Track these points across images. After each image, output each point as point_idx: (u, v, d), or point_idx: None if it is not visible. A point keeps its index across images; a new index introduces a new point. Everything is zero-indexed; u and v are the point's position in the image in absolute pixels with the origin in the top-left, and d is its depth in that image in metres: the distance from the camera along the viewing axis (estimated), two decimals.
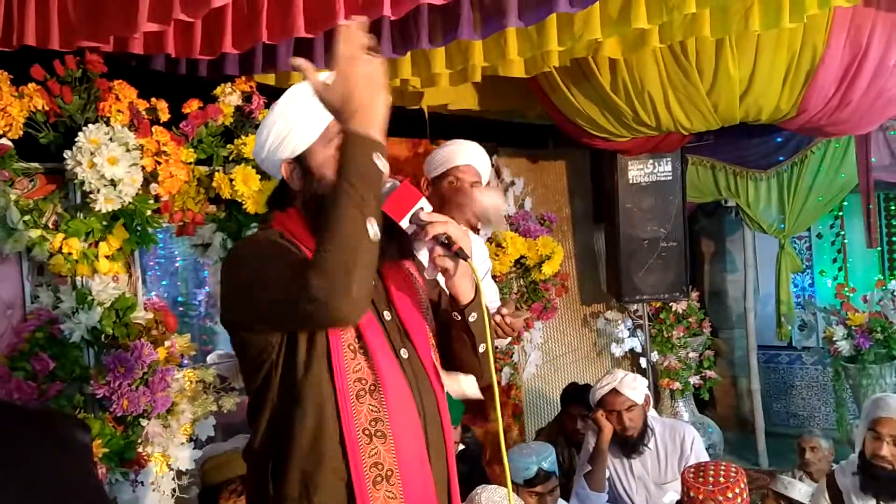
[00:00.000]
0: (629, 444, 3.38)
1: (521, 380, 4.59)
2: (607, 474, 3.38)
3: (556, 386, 4.87)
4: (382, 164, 1.34)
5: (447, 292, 1.61)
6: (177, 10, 1.97)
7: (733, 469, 2.66)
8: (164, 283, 7.18)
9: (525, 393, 4.68)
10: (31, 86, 2.61)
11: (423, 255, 1.64)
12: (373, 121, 1.35)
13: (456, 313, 1.58)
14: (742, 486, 2.58)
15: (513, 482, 3.02)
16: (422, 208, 1.47)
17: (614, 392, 3.35)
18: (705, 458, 3.35)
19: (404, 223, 1.47)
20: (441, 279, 1.59)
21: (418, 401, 1.55)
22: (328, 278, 1.30)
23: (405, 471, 1.49)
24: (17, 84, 2.59)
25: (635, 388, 3.36)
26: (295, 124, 1.54)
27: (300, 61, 1.41)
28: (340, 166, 1.35)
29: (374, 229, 1.33)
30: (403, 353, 1.55)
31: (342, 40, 1.36)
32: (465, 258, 1.47)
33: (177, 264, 7.38)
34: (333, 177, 1.39)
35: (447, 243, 1.47)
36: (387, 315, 1.57)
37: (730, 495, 2.52)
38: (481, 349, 1.62)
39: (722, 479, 2.59)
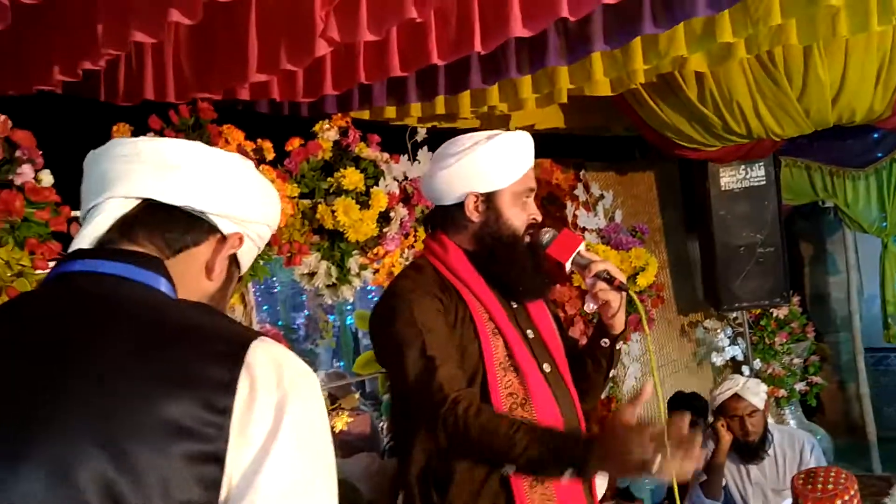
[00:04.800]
0: (749, 450, 3.36)
1: (621, 393, 4.59)
2: (723, 483, 3.37)
3: (656, 398, 4.84)
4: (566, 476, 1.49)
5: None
6: (283, 61, 2.11)
7: (843, 475, 2.61)
8: (265, 307, 7.48)
9: None
10: (150, 135, 2.81)
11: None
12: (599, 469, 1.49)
13: (605, 340, 1.73)
14: (852, 492, 2.52)
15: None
16: (582, 249, 1.68)
17: (736, 397, 3.34)
18: (825, 465, 3.30)
19: (568, 265, 1.68)
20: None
21: (562, 411, 1.70)
22: (458, 438, 1.52)
23: None
24: (136, 134, 2.80)
25: (758, 392, 3.35)
26: (500, 164, 1.72)
27: None
28: (547, 438, 1.49)
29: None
30: (546, 368, 1.70)
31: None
32: (626, 290, 1.67)
33: (275, 290, 7.68)
34: (513, 227, 1.69)
35: (609, 278, 1.66)
36: (530, 333, 1.72)
37: (838, 503, 2.48)
38: (611, 374, 1.82)
39: (831, 486, 2.54)
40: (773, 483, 3.37)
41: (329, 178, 3.15)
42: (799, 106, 3.56)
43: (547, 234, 1.71)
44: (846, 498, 2.50)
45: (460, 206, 1.75)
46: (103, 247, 0.99)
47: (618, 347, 1.77)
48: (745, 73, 3.47)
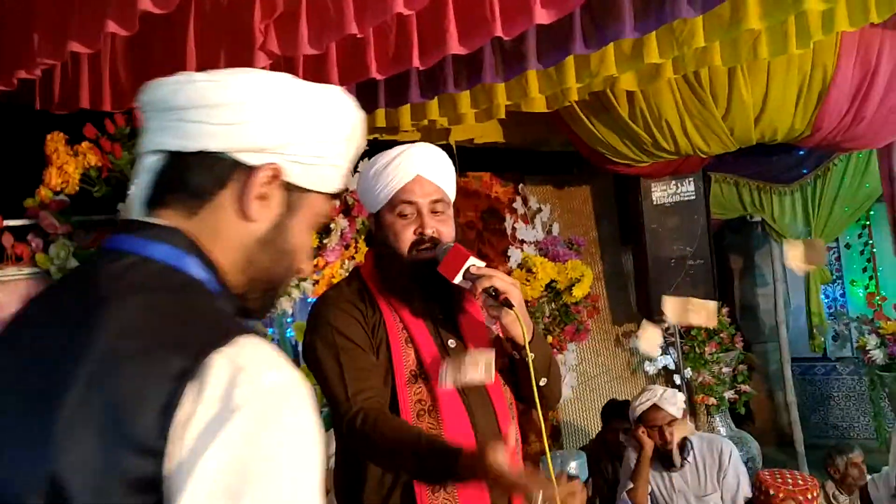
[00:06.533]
0: (669, 458, 3.44)
1: None
2: (649, 489, 3.45)
3: (592, 406, 4.95)
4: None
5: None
6: None
7: (808, 476, 2.81)
8: None
9: (562, 413, 4.76)
10: (85, 144, 2.78)
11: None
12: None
13: (515, 352, 1.76)
14: (816, 493, 2.70)
15: None
16: (473, 265, 1.66)
17: (655, 408, 3.41)
18: (743, 469, 3.42)
19: (457, 280, 1.67)
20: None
21: (474, 419, 1.73)
22: (362, 448, 1.67)
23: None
24: (71, 143, 2.77)
25: (675, 402, 3.43)
26: (374, 185, 1.78)
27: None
28: (428, 453, 1.55)
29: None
30: None
31: None
32: (510, 307, 1.64)
33: None
34: (394, 244, 1.75)
35: (495, 294, 1.64)
36: (451, 343, 1.77)
37: (809, 497, 2.66)
38: (542, 383, 1.79)
39: (801, 482, 2.74)
40: (695, 489, 3.47)
41: None
42: (724, 124, 3.71)
43: (441, 250, 1.72)
44: (815, 493, 2.69)
45: None
46: (136, 218, 0.96)
47: (528, 358, 1.73)
48: (673, 92, 3.61)
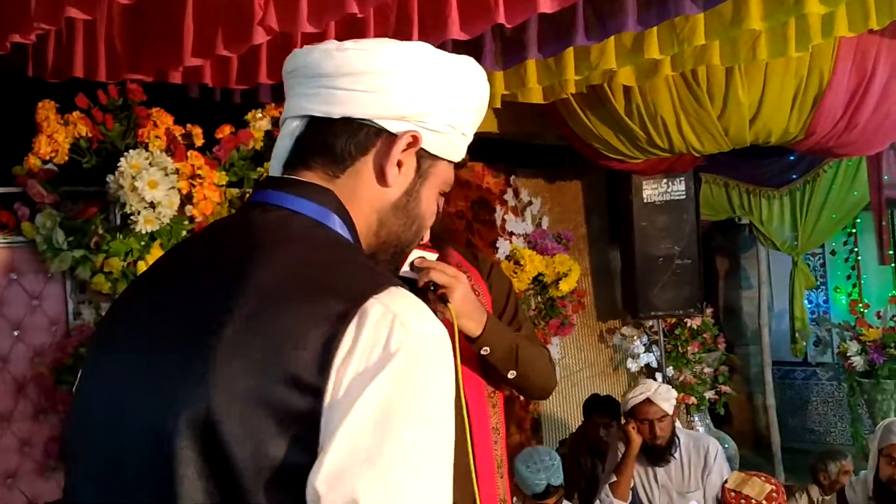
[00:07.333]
0: (657, 453, 3.46)
1: None
2: (631, 483, 3.47)
3: (573, 400, 4.96)
4: None
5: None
6: (219, 46, 2.10)
7: (778, 484, 2.77)
8: None
9: (543, 407, 4.77)
10: (76, 114, 2.74)
11: None
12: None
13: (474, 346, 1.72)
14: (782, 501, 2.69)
15: (522, 494, 3.15)
16: (418, 257, 1.59)
17: (648, 402, 3.44)
18: (727, 470, 3.44)
19: (403, 271, 1.57)
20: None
21: None
22: None
23: None
24: (62, 112, 2.73)
25: (668, 398, 3.46)
26: None
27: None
28: None
29: None
30: None
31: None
32: (445, 303, 1.58)
33: None
34: None
35: (434, 289, 1.59)
36: None
37: None
38: (510, 376, 1.76)
39: (765, 502, 2.68)
40: (678, 485, 3.50)
41: (259, 168, 3.11)
42: (718, 124, 3.72)
43: None
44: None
45: None
46: (283, 175, 1.01)
47: (485, 353, 1.71)
48: (669, 89, 3.61)
